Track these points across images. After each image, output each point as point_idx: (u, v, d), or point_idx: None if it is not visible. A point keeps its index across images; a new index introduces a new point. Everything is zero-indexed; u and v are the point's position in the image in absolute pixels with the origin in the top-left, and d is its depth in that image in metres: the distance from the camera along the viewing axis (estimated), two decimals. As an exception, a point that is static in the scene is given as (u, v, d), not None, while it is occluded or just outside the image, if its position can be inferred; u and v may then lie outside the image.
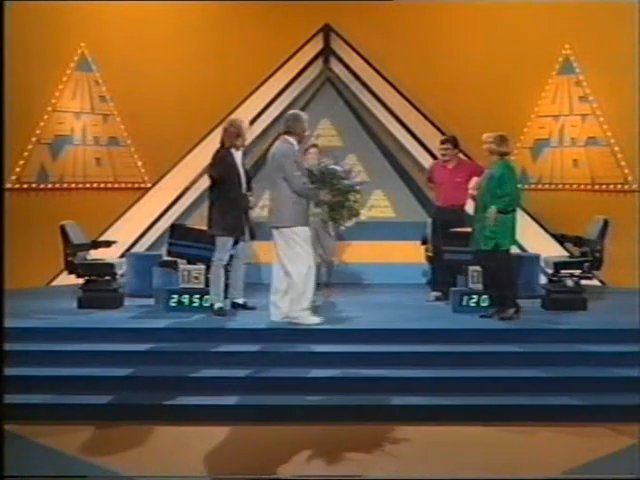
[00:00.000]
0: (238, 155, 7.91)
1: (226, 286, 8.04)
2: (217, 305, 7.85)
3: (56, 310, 8.18)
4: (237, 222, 7.77)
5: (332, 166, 7.56)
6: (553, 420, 6.14)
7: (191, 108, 10.23)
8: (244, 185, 7.87)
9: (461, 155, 9.07)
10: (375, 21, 10.57)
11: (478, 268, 8.06)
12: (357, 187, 7.62)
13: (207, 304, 7.98)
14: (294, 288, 7.35)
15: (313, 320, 7.38)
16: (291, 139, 7.46)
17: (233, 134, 7.82)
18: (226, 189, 7.77)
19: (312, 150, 8.81)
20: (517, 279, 8.13)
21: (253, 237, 8.06)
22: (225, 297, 8.01)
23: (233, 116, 8.15)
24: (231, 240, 7.80)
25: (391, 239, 8.12)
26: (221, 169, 7.80)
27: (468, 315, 7.86)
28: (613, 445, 5.71)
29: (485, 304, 8.02)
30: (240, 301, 8.07)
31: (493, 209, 7.45)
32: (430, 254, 8.95)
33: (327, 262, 9.24)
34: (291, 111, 7.92)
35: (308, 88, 11.00)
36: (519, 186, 7.77)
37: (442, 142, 8.83)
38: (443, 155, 8.69)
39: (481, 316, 7.76)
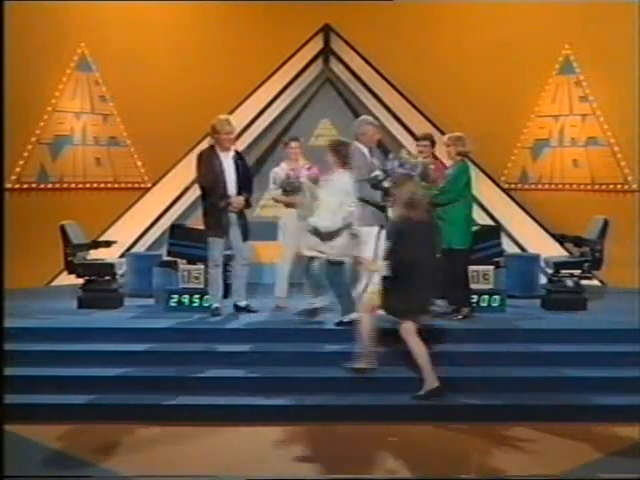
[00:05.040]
0: (226, 155, 7.78)
1: (227, 287, 8.05)
2: (214, 305, 7.85)
3: (56, 310, 8.18)
4: (215, 221, 7.69)
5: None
6: (553, 420, 6.14)
7: (191, 108, 10.21)
8: (228, 185, 7.71)
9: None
10: (375, 21, 10.59)
11: (477, 268, 8.09)
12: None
13: (207, 304, 7.98)
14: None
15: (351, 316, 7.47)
16: (359, 145, 7.65)
17: (210, 132, 7.85)
18: (206, 188, 7.76)
19: (293, 144, 8.29)
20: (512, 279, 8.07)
21: (245, 238, 7.92)
22: (225, 297, 8.01)
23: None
24: (217, 240, 7.74)
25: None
26: (199, 168, 7.80)
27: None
28: (613, 445, 5.71)
29: (484, 304, 8.05)
30: (242, 304, 8.00)
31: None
32: None
33: None
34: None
35: (308, 88, 11.01)
36: (467, 187, 7.70)
37: (421, 139, 8.52)
38: (420, 152, 8.27)
39: (441, 314, 7.73)
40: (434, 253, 6.41)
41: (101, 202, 10.26)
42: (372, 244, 7.65)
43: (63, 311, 8.14)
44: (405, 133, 10.55)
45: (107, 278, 8.39)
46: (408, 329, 6.27)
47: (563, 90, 10.55)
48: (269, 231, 8.52)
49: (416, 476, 5.23)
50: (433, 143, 8.54)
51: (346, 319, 7.15)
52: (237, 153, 7.98)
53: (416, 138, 8.74)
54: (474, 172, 8.09)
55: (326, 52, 10.87)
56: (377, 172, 7.48)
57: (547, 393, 6.48)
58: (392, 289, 6.22)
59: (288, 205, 8.17)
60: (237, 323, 7.57)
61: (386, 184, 7.43)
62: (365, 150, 7.68)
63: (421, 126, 10.26)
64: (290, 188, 8.06)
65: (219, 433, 5.94)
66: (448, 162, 8.01)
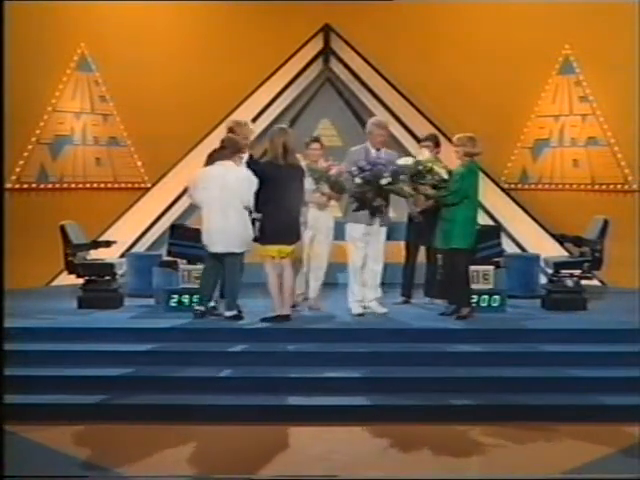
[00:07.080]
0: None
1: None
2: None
3: (56, 310, 8.18)
4: None
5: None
6: (553, 420, 6.14)
7: (191, 108, 10.24)
8: None
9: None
10: (375, 21, 10.60)
11: (477, 268, 8.10)
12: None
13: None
14: (348, 280, 7.90)
15: (358, 311, 7.75)
16: (367, 143, 7.82)
17: None
18: None
19: (314, 145, 8.07)
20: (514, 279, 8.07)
21: None
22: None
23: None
24: None
25: (389, 239, 8.15)
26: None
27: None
28: (613, 445, 5.71)
29: (484, 304, 8.05)
30: None
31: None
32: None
33: None
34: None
35: (308, 88, 11.02)
36: (473, 188, 7.67)
37: (424, 140, 8.51)
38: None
39: (441, 314, 7.80)
40: (297, 194, 7.40)
41: (101, 202, 10.25)
42: (358, 243, 7.68)
43: (63, 311, 8.13)
44: (405, 133, 10.57)
45: (107, 278, 8.38)
46: (268, 266, 7.38)
47: (563, 90, 10.55)
48: None
49: (416, 476, 5.23)
50: (437, 144, 8.49)
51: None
52: (250, 157, 7.78)
53: (419, 140, 8.74)
54: (481, 174, 8.05)
55: (326, 52, 10.89)
56: (362, 163, 7.56)
57: (547, 393, 6.48)
58: (261, 221, 7.35)
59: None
60: (237, 323, 7.56)
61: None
62: (373, 151, 7.75)
63: (421, 126, 10.28)
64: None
65: (220, 433, 5.94)
66: (457, 162, 7.92)
